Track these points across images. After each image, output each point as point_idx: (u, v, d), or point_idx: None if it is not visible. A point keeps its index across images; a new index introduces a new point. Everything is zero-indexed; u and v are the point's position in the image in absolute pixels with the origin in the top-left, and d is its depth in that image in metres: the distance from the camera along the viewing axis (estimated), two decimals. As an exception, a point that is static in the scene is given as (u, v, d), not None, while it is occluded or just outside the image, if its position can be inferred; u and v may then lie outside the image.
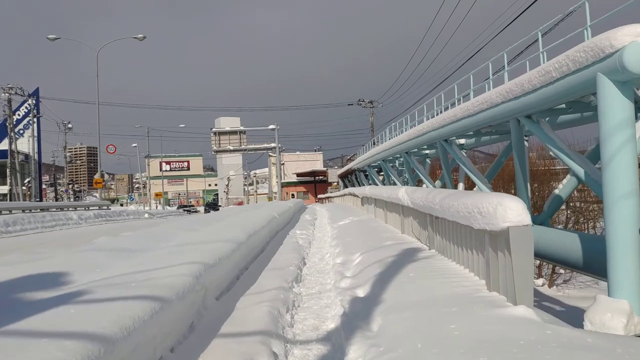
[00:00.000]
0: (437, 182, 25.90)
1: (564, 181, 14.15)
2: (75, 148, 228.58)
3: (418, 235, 8.49)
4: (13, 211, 30.32)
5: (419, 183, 31.88)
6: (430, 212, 6.99)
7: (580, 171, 10.39)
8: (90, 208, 40.26)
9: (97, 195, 58.55)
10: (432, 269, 6.20)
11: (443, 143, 17.88)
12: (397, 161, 32.18)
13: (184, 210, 72.34)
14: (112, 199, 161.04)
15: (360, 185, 46.06)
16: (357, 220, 15.69)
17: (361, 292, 6.21)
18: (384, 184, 37.22)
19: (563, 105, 12.00)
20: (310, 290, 7.32)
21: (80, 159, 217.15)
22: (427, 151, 27.12)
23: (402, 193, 9.12)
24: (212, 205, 74.56)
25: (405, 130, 26.40)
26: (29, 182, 61.19)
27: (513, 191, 34.16)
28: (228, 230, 9.04)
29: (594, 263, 10.59)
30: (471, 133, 17.33)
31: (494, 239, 4.80)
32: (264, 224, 11.06)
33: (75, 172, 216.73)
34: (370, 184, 41.99)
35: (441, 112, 20.63)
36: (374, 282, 6.29)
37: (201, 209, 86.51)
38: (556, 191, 14.47)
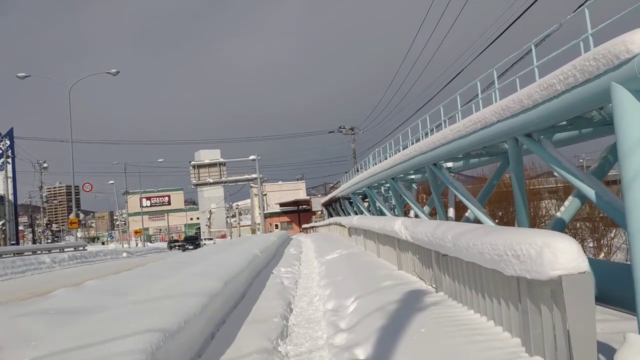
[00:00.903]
0: (426, 208, 24.96)
1: (566, 203, 13.24)
2: (54, 187, 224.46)
3: (420, 273, 7.40)
4: (-19, 257, 28.71)
5: (405, 208, 30.91)
6: (436, 249, 5.93)
7: (591, 192, 9.46)
8: (65, 250, 38.54)
9: (77, 234, 56.43)
10: (447, 321, 5.10)
11: (432, 167, 16.95)
12: (382, 187, 31.23)
13: (175, 246, 56.71)
14: (92, 237, 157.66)
15: (345, 214, 44.95)
16: (347, 253, 14.55)
17: (361, 353, 5.08)
18: (370, 211, 36.19)
19: (564, 122, 11.14)
20: (300, 348, 6.15)
21: (58, 198, 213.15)
22: (413, 176, 26.23)
23: (399, 226, 8.04)
24: (192, 240, 58.26)
25: (389, 156, 25.51)
26: (2, 224, 59.09)
27: (501, 212, 33.26)
28: (201, 278, 7.86)
29: (610, 293, 9.60)
30: (461, 156, 16.43)
31: (533, 289, 3.75)
32: (243, 266, 9.88)
33: (54, 211, 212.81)
34: (355, 212, 40.92)
35: (426, 135, 19.79)
36: (377, 340, 5.17)
37: (210, 242, 66.58)
38: (558, 214, 13.53)
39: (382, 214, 31.33)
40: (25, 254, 31.74)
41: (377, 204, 31.18)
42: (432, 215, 25.46)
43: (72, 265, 30.28)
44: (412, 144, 20.99)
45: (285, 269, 13.53)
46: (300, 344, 6.34)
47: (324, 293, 9.57)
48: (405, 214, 29.05)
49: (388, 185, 29.50)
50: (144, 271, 9.72)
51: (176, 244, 60.81)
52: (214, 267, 9.41)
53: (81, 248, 42.00)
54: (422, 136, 20.16)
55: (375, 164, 29.19)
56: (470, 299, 5.32)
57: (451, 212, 20.20)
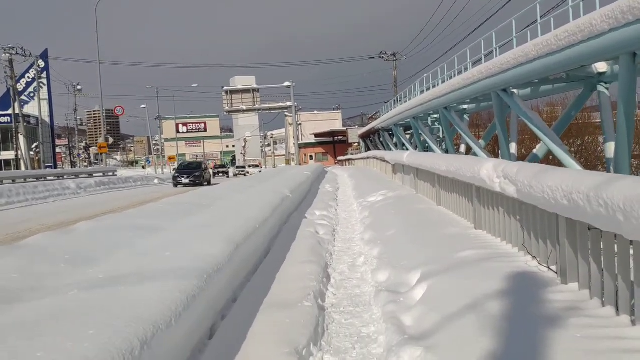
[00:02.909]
0: (481, 142, 22.19)
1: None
2: (94, 111, 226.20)
3: (528, 246, 4.94)
4: (4, 182, 27.58)
5: (456, 141, 28.14)
6: (581, 219, 3.47)
7: None
8: (94, 175, 37.42)
9: (106, 159, 55.50)
10: (622, 355, 2.75)
11: (501, 94, 14.09)
12: (429, 118, 28.33)
13: (219, 172, 57.63)
14: (131, 161, 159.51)
15: (384, 146, 42.30)
16: (394, 196, 12.17)
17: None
18: (412, 144, 33.51)
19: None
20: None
21: (93, 122, 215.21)
22: (466, 106, 23.32)
23: (490, 172, 5.44)
24: (189, 171, 34.76)
25: (441, 82, 22.50)
26: (36, 147, 58.65)
27: (574, 150, 29.80)
28: (205, 235, 5.64)
29: None
30: (536, 80, 13.54)
31: None
32: (268, 213, 7.65)
33: (95, 134, 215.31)
34: (395, 144, 38.21)
35: (484, 58, 16.80)
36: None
37: (255, 170, 62.01)
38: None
39: (426, 147, 28.66)
40: (49, 178, 30.54)
41: (423, 136, 28.43)
42: (487, 150, 22.68)
43: (97, 192, 28.95)
44: (472, 66, 18.01)
45: (320, 213, 11.34)
46: (347, 352, 4.08)
47: (370, 253, 7.31)
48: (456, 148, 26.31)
49: (436, 116, 26.64)
50: (138, 216, 7.52)
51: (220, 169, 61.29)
52: (229, 215, 7.19)
53: (110, 174, 40.90)
54: (484, 58, 17.16)
55: (423, 91, 26.21)
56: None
57: (513, 147, 17.46)
